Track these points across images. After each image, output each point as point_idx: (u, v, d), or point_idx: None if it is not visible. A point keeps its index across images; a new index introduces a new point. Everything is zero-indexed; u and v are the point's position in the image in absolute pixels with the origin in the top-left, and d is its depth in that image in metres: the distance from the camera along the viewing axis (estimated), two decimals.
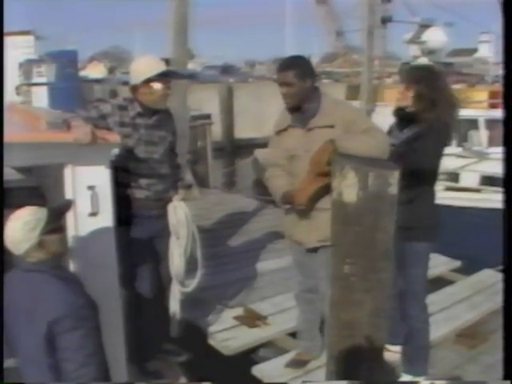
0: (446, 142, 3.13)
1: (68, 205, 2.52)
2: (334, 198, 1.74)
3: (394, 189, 1.68)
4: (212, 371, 3.43)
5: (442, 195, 8.97)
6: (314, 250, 3.19)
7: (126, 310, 3.06)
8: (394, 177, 1.69)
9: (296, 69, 3.01)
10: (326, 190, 2.75)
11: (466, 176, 9.94)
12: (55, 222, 2.22)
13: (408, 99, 3.08)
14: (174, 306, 3.54)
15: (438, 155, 3.11)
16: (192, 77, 28.61)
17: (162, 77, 3.21)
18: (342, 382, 1.87)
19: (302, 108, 3.08)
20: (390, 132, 3.21)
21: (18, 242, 2.12)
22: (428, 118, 3.01)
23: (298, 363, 3.59)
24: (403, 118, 3.16)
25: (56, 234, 2.22)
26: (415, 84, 3.05)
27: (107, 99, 3.42)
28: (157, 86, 3.19)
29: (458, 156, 9.98)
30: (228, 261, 5.39)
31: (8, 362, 2.42)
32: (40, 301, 2.10)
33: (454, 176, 9.95)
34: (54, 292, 2.11)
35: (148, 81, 3.18)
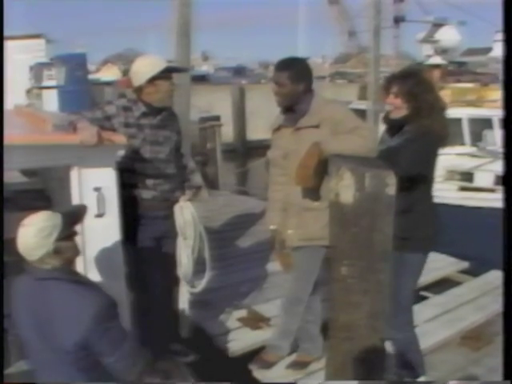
0: (437, 149, 3.03)
1: (83, 210, 2.47)
2: (331, 199, 1.73)
3: (391, 189, 1.67)
4: (217, 372, 3.43)
5: (457, 195, 8.92)
6: (298, 250, 3.25)
7: (133, 311, 3.07)
8: (391, 177, 1.68)
9: (291, 71, 3.09)
10: (315, 191, 2.83)
11: (480, 176, 9.82)
12: (70, 228, 2.19)
13: (398, 107, 3.01)
14: (182, 306, 3.55)
15: (429, 162, 3.03)
16: (204, 78, 28.73)
17: (166, 74, 3.22)
18: (341, 382, 1.86)
19: (293, 108, 3.15)
20: (381, 138, 3.16)
21: (32, 248, 2.08)
22: (416, 125, 2.95)
23: (298, 365, 3.61)
24: (393, 124, 3.10)
25: (71, 240, 2.20)
26: (400, 92, 2.99)
27: (112, 100, 3.41)
28: (161, 83, 3.21)
29: (473, 156, 9.87)
30: (235, 262, 5.39)
31: (17, 365, 2.44)
32: (63, 309, 2.07)
33: (468, 176, 9.85)
34: (78, 298, 2.08)
35: (152, 79, 3.19)
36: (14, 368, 2.72)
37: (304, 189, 2.97)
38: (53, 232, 2.09)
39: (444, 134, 3.02)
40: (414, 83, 2.99)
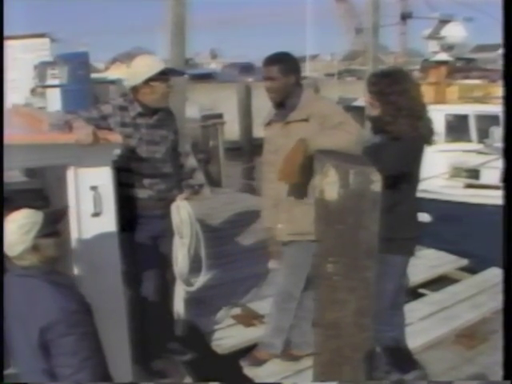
0: (412, 150, 3.01)
1: (64, 211, 2.55)
2: (316, 196, 1.73)
3: (376, 186, 1.66)
4: (208, 369, 3.44)
5: (462, 192, 8.87)
6: (288, 245, 3.29)
7: (129, 310, 3.07)
8: (376, 174, 1.67)
9: (280, 64, 3.12)
10: (301, 188, 2.83)
11: (486, 173, 9.76)
12: (51, 226, 2.24)
13: (373, 106, 3.02)
14: (179, 305, 3.55)
15: (407, 163, 3.00)
16: (211, 76, 28.68)
17: (162, 75, 3.23)
18: (331, 383, 1.85)
19: (284, 103, 3.18)
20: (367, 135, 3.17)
21: (13, 244, 2.14)
22: (394, 128, 2.94)
23: (289, 357, 3.62)
24: (371, 122, 3.11)
25: (51, 238, 2.23)
26: (373, 91, 3.00)
27: (109, 100, 3.43)
28: (158, 84, 3.21)
29: (479, 153, 9.81)
30: (235, 259, 5.38)
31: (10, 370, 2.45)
32: (32, 307, 2.11)
33: (474, 173, 9.79)
34: (46, 298, 2.12)
35: (149, 80, 3.20)
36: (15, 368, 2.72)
37: (290, 185, 2.99)
38: (32, 229, 2.15)
39: (418, 135, 2.98)
40: (385, 84, 2.98)
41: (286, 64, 3.14)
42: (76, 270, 2.83)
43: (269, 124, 3.34)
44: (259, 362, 3.61)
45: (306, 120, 3.05)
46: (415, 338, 3.62)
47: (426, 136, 3.03)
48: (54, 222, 2.29)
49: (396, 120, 2.92)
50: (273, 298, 3.66)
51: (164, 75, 3.25)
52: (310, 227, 2.94)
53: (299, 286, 3.39)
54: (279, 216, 3.23)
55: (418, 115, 3.01)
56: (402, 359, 3.22)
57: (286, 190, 3.08)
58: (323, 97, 3.38)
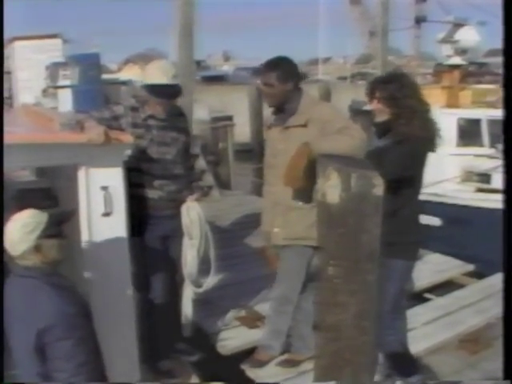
0: (421, 153, 3.01)
1: (71, 213, 2.55)
2: (318, 199, 1.74)
3: (378, 190, 1.67)
4: (212, 370, 3.45)
5: (474, 196, 8.83)
6: (283, 249, 3.31)
7: (138, 310, 3.10)
8: (378, 178, 1.68)
9: (278, 71, 3.14)
10: (306, 192, 2.85)
11: (497, 177, 9.71)
12: (55, 228, 2.24)
13: (382, 111, 3.03)
14: (187, 306, 3.57)
15: (414, 166, 3.01)
16: (223, 78, 28.76)
17: (158, 88, 3.19)
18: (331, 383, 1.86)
19: (283, 108, 3.21)
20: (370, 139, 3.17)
21: (16, 243, 2.15)
22: (399, 129, 2.95)
23: (289, 363, 3.62)
24: (380, 126, 3.10)
25: (55, 239, 2.23)
26: (381, 97, 3.00)
27: (120, 101, 3.46)
28: (147, 96, 3.24)
29: (491, 157, 9.76)
30: (244, 261, 5.40)
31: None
32: (31, 308, 2.11)
33: (485, 177, 9.74)
34: (45, 300, 2.12)
35: (146, 87, 3.23)
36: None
37: (295, 190, 2.96)
38: (36, 228, 2.16)
39: (428, 137, 3.00)
40: (395, 88, 2.99)
41: (284, 71, 3.15)
42: (85, 270, 2.86)
43: (269, 128, 3.37)
44: (260, 364, 3.62)
45: (304, 125, 3.06)
46: (418, 343, 3.61)
47: (433, 136, 3.04)
48: (59, 224, 2.29)
49: (411, 122, 2.93)
50: (270, 301, 3.67)
51: (159, 88, 3.19)
52: (305, 232, 2.98)
53: (295, 289, 3.41)
54: (275, 219, 3.25)
55: (427, 116, 3.03)
56: (404, 363, 3.21)
57: (283, 194, 3.08)
58: (323, 101, 3.40)
